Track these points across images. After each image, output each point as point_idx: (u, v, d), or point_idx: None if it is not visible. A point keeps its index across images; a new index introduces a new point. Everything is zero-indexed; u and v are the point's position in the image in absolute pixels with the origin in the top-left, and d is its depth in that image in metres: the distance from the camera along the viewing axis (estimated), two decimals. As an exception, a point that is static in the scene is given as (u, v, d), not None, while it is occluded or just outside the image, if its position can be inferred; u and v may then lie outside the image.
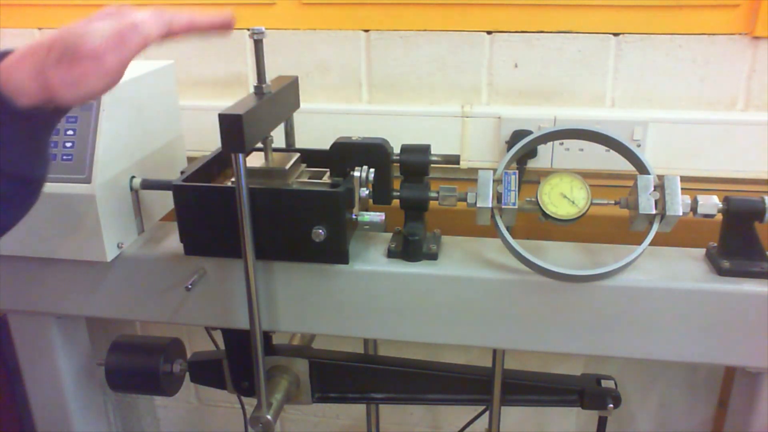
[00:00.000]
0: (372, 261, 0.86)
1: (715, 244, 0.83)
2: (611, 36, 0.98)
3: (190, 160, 1.02)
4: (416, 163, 0.85)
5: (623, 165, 0.82)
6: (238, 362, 0.95)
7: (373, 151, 0.84)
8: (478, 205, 0.80)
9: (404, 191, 0.86)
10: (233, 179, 0.75)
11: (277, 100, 0.83)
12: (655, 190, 0.77)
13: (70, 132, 0.82)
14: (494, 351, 0.92)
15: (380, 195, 0.86)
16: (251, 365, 0.83)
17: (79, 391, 1.06)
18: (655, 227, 0.77)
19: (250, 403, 0.95)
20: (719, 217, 0.80)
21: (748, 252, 0.80)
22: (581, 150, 1.00)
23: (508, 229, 0.80)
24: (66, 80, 0.53)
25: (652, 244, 0.77)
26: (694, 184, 0.97)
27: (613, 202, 0.82)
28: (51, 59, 0.53)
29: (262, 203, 0.79)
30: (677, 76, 0.99)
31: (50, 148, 0.59)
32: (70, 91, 0.54)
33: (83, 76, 0.53)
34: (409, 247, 0.85)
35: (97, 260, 0.85)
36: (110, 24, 0.55)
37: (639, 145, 0.98)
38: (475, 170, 0.83)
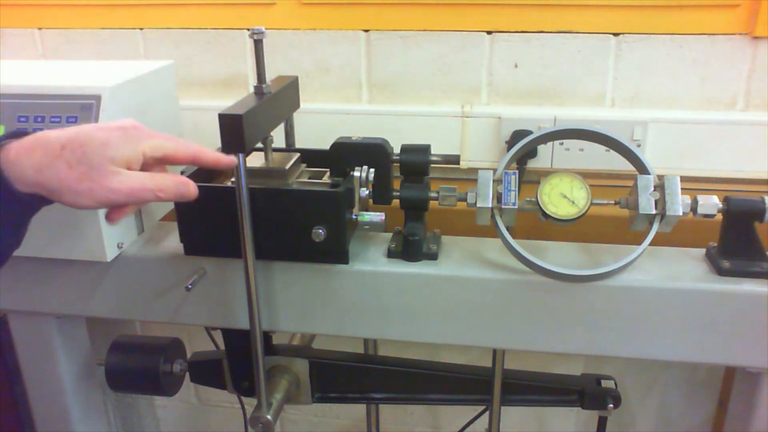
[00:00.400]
0: (372, 261, 0.86)
1: (715, 244, 0.83)
2: (611, 36, 0.98)
3: (190, 160, 1.01)
4: (416, 163, 0.85)
5: (623, 165, 0.82)
6: (238, 362, 0.95)
7: (373, 151, 0.84)
8: (478, 205, 0.80)
9: (404, 191, 0.86)
10: (233, 179, 0.75)
11: (277, 100, 0.83)
12: (655, 190, 0.77)
13: (70, 132, 0.82)
14: (494, 351, 0.92)
15: (380, 195, 0.86)
16: (251, 365, 0.83)
17: (79, 391, 1.06)
18: (655, 227, 0.77)
19: (250, 403, 0.95)
20: (719, 217, 0.80)
21: (748, 252, 0.80)
22: (581, 150, 1.00)
23: (508, 229, 0.80)
24: (71, 188, 0.55)
25: (652, 244, 0.77)
26: (694, 184, 0.97)
27: (613, 202, 0.82)
28: (63, 160, 0.54)
29: (262, 203, 0.79)
30: (677, 76, 0.99)
31: (28, 227, 0.61)
32: (69, 197, 0.55)
33: (89, 192, 0.55)
34: (409, 247, 0.85)
35: (97, 260, 0.85)
36: (141, 177, 0.59)
37: (639, 145, 0.98)
38: (475, 170, 0.83)
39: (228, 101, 0.76)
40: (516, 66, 1.02)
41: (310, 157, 0.92)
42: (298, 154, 0.89)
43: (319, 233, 0.78)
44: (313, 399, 0.97)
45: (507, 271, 0.83)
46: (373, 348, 1.09)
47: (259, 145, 0.84)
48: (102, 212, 0.82)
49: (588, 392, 0.93)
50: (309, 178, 0.89)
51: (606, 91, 1.02)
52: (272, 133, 0.85)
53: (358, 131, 0.88)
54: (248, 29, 0.79)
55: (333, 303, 0.86)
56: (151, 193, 0.59)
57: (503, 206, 0.79)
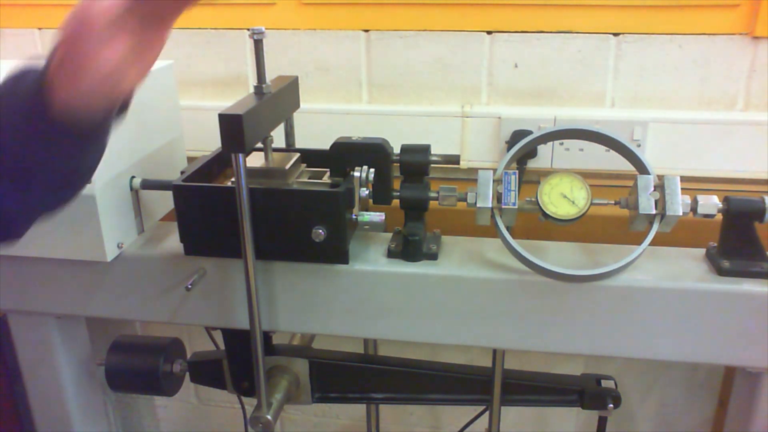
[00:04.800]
0: (372, 261, 0.86)
1: (715, 244, 0.83)
2: (611, 36, 0.98)
3: (190, 160, 1.01)
4: (416, 163, 0.85)
5: (623, 165, 0.82)
6: (238, 362, 0.95)
7: (373, 151, 0.84)
8: (478, 205, 0.80)
9: (404, 191, 0.86)
10: (233, 179, 0.75)
11: (277, 100, 0.83)
12: (655, 190, 0.77)
13: (70, 132, 0.82)
14: (494, 351, 0.92)
15: (380, 195, 0.86)
16: (251, 365, 0.83)
17: (79, 391, 1.06)
18: (655, 227, 0.77)
19: (250, 403, 0.95)
20: (719, 217, 0.80)
21: (748, 252, 0.80)
22: (581, 150, 1.00)
23: (508, 229, 0.80)
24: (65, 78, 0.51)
25: (652, 244, 0.77)
26: (694, 184, 0.97)
27: (613, 202, 0.82)
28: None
29: (262, 203, 0.79)
30: (677, 76, 0.99)
31: (107, 138, 0.60)
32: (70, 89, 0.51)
33: (77, 70, 0.51)
34: (409, 247, 0.85)
35: (97, 260, 0.85)
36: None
37: (639, 145, 0.98)
38: (475, 170, 0.83)
39: (228, 101, 0.76)
40: (516, 66, 1.02)
41: (310, 157, 0.92)
42: (298, 154, 0.89)
43: (319, 233, 0.78)
44: (313, 399, 0.97)
45: (507, 271, 0.83)
46: (373, 348, 1.09)
47: (259, 145, 0.84)
48: (102, 213, 0.82)
49: (588, 392, 0.93)
50: (309, 178, 0.89)
51: (606, 91, 1.02)
52: (272, 133, 0.85)
53: (358, 131, 0.88)
54: (248, 29, 0.79)
55: (333, 303, 0.86)
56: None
57: (503, 206, 0.79)
